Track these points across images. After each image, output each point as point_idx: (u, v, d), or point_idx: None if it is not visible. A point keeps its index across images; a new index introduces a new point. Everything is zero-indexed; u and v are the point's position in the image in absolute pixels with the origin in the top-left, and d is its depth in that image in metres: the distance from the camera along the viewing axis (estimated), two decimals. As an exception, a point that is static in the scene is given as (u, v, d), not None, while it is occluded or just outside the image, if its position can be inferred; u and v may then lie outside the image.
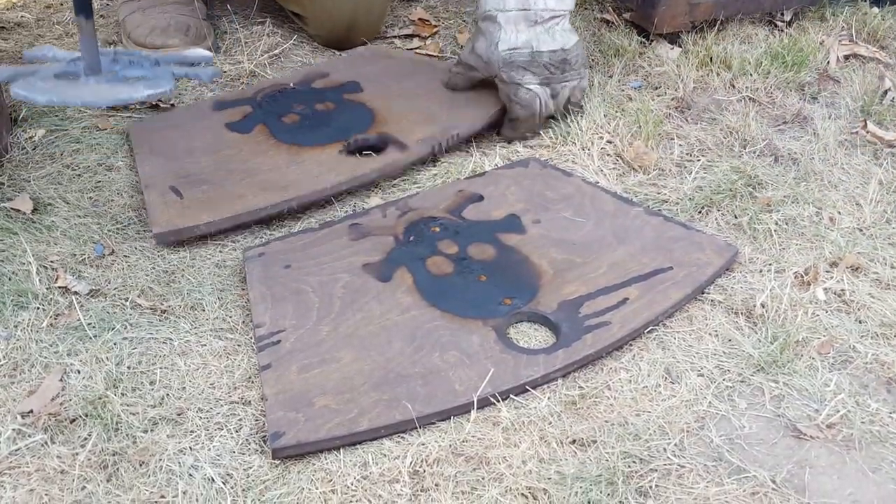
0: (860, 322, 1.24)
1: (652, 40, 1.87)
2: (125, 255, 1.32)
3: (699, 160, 1.53)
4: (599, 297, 1.20)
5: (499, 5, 1.52)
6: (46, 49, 1.38)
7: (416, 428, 1.05)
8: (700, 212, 1.42)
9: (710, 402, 1.11)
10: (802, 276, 1.30)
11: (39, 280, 1.24)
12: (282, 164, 1.46)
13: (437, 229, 1.34)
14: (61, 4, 2.07)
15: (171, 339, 1.18)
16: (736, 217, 1.41)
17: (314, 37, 1.95)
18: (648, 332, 1.20)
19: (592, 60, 1.84)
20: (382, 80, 1.69)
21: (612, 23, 1.96)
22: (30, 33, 1.93)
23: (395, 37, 1.98)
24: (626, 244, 1.30)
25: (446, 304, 1.20)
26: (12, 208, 1.37)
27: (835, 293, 1.28)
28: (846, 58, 1.87)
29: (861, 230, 1.41)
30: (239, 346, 1.17)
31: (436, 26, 2.01)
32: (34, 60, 1.40)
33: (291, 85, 1.67)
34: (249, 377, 1.13)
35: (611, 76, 1.77)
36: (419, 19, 2.03)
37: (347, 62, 1.77)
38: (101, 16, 2.02)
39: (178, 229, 1.32)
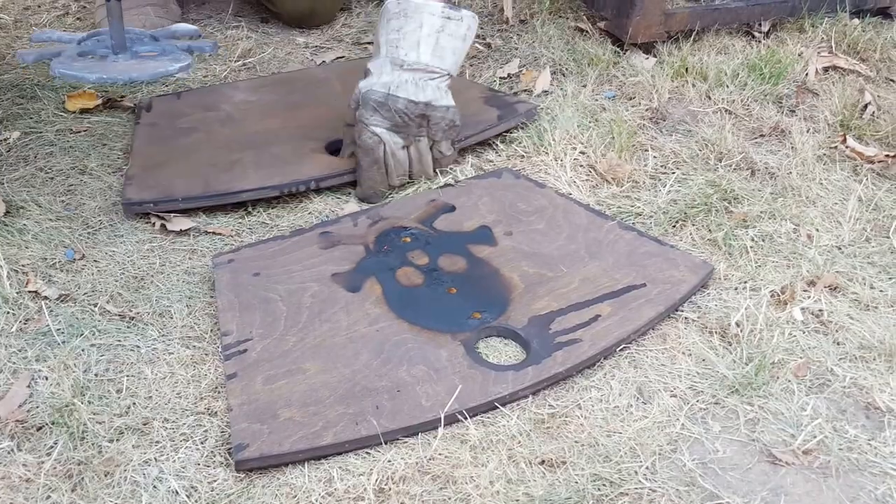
0: (838, 344, 1.23)
1: (626, 50, 1.88)
2: (95, 261, 1.31)
3: (674, 173, 1.53)
4: (571, 312, 1.20)
5: (373, 55, 1.46)
6: (50, 32, 1.41)
7: (382, 444, 1.04)
8: (674, 226, 1.42)
9: (682, 424, 1.09)
10: (779, 295, 1.29)
11: (10, 284, 1.23)
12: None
13: (409, 239, 1.34)
14: (38, 6, 2.06)
15: (138, 347, 1.17)
16: (711, 232, 1.40)
17: (279, 14, 1.97)
18: (621, 350, 1.19)
19: (566, 69, 1.84)
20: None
21: (586, 31, 1.97)
22: (7, 34, 1.91)
23: (369, 43, 1.99)
24: (599, 259, 1.30)
25: (415, 317, 1.19)
26: (-16, 211, 1.37)
27: (812, 313, 1.27)
28: (825, 70, 1.88)
29: (840, 248, 1.40)
30: (206, 354, 1.17)
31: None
32: (42, 42, 1.42)
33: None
34: (216, 387, 1.12)
35: (584, 86, 1.77)
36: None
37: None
38: (78, 18, 2.01)
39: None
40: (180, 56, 1.44)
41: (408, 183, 1.49)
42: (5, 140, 1.54)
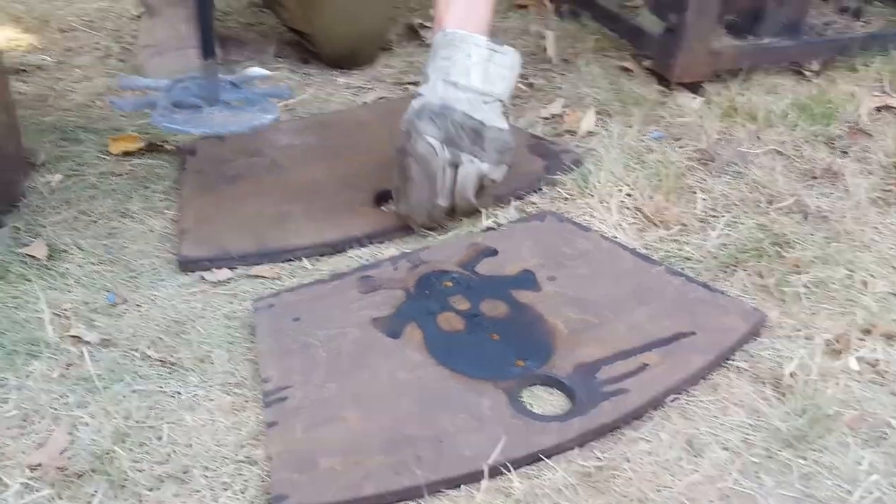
0: (895, 395, 1.18)
1: (672, 89, 1.85)
2: (137, 305, 1.30)
3: (723, 216, 1.50)
4: (618, 361, 1.17)
5: (421, 84, 1.43)
6: (133, 79, 1.44)
7: (424, 495, 1.01)
8: (725, 271, 1.39)
9: (735, 479, 1.05)
10: (833, 344, 1.24)
11: (52, 329, 1.23)
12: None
13: (450, 284, 1.32)
14: (80, 48, 2.08)
15: (179, 393, 1.16)
16: (762, 278, 1.36)
17: (320, 54, 1.98)
18: (670, 401, 1.15)
19: (611, 109, 1.82)
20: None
21: (631, 71, 1.95)
22: (49, 76, 1.93)
23: (409, 83, 1.98)
24: (647, 305, 1.27)
25: (457, 364, 1.17)
26: (28, 254, 1.37)
27: (868, 363, 1.22)
28: (878, 110, 1.83)
29: (896, 295, 1.36)
30: (247, 401, 1.15)
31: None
32: (130, 89, 1.45)
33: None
34: (256, 434, 1.10)
35: (630, 126, 1.75)
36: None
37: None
38: (121, 60, 2.03)
39: None
40: (267, 105, 1.46)
41: (448, 220, 1.48)
42: (48, 183, 1.55)
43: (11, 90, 1.52)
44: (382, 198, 1.53)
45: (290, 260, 1.41)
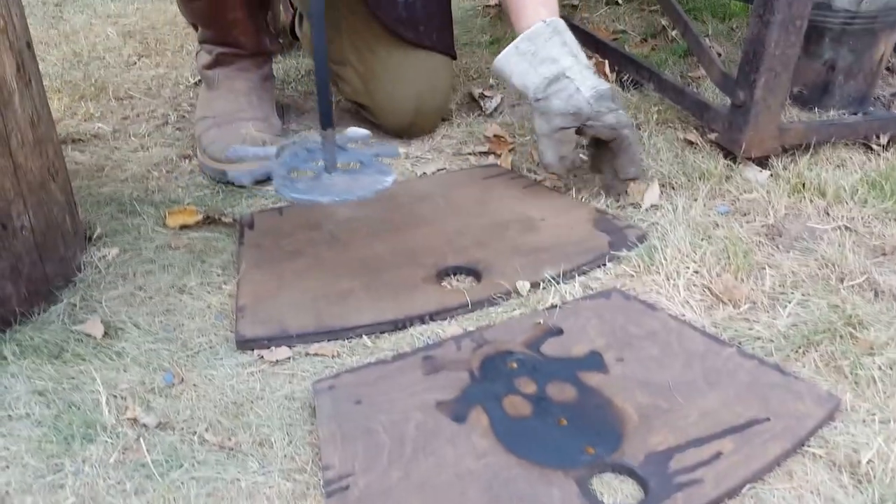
0: (975, 482, 1.12)
1: (738, 163, 1.82)
2: (194, 385, 1.28)
3: (793, 294, 1.45)
4: (690, 449, 1.12)
5: (526, 88, 1.65)
6: (243, 149, 1.48)
7: None
8: (796, 352, 1.34)
9: None
10: (911, 429, 1.19)
11: (108, 410, 1.21)
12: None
13: (515, 365, 1.28)
14: (137, 116, 2.08)
15: (238, 480, 1.12)
16: (835, 359, 1.31)
17: (381, 126, 1.98)
18: (745, 490, 1.10)
19: (675, 182, 1.79)
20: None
21: (696, 144, 1.91)
22: (106, 144, 1.93)
23: (470, 153, 1.96)
24: (718, 389, 1.22)
25: (524, 451, 1.13)
26: (83, 332, 1.35)
27: (947, 450, 1.16)
28: (948, 185, 1.78)
29: (974, 378, 1.29)
30: (308, 488, 1.11)
31: (511, 143, 1.98)
32: (237, 159, 1.53)
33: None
34: (317, 525, 1.07)
35: (695, 199, 1.71)
36: (494, 136, 2.01)
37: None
38: (178, 128, 2.02)
39: None
40: (382, 167, 1.45)
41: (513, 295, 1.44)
42: (104, 257, 1.53)
43: (67, 164, 1.51)
44: (444, 273, 1.50)
45: (350, 338, 1.37)
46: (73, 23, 2.67)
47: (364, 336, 1.38)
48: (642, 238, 1.59)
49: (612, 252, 1.55)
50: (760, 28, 1.71)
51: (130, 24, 2.67)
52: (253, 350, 1.35)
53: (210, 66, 1.94)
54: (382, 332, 1.39)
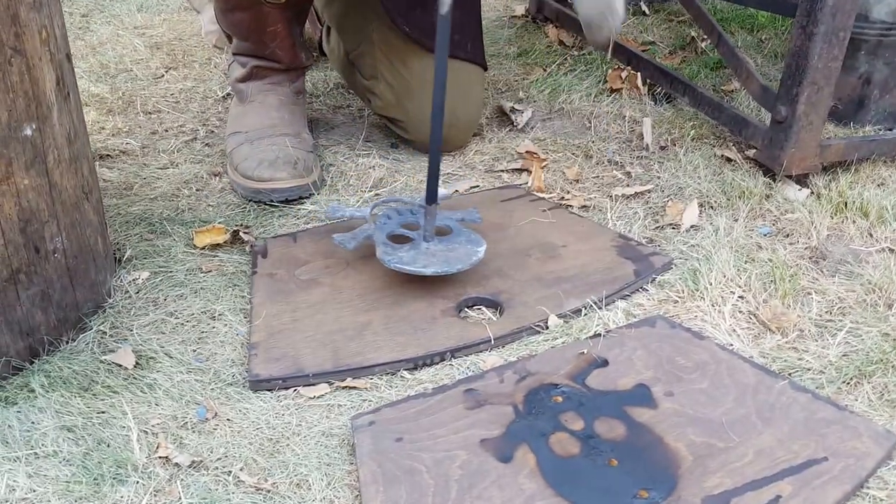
0: None
1: (778, 181, 1.77)
2: (228, 419, 1.24)
3: (841, 321, 1.41)
4: (748, 492, 1.08)
5: None
6: (340, 209, 1.60)
7: None
8: (848, 384, 1.29)
9: None
10: (971, 467, 1.14)
11: (139, 448, 1.17)
12: None
13: (560, 399, 1.24)
14: (166, 131, 2.04)
15: (275, 523, 1.09)
16: (889, 392, 1.27)
17: (413, 142, 1.94)
18: (804, 535, 1.05)
19: (714, 202, 1.74)
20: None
21: (734, 161, 1.86)
22: (135, 161, 1.90)
23: (503, 170, 1.92)
24: (773, 426, 1.18)
25: (575, 495, 1.08)
26: (114, 363, 1.31)
27: None
28: None
29: None
30: (348, 533, 1.08)
31: (544, 159, 1.94)
32: (334, 218, 1.62)
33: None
34: (360, 572, 1.03)
35: (736, 220, 1.67)
36: (527, 152, 1.96)
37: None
38: (206, 144, 1.99)
39: None
40: (472, 235, 1.51)
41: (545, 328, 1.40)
42: (134, 281, 1.49)
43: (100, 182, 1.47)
44: (465, 305, 1.46)
45: (371, 377, 1.33)
46: (99, 34, 2.63)
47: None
48: (668, 266, 1.54)
49: (637, 280, 1.50)
50: (803, 40, 1.66)
51: (157, 36, 2.63)
52: (269, 391, 1.30)
53: (243, 80, 1.90)
54: (400, 371, 1.34)
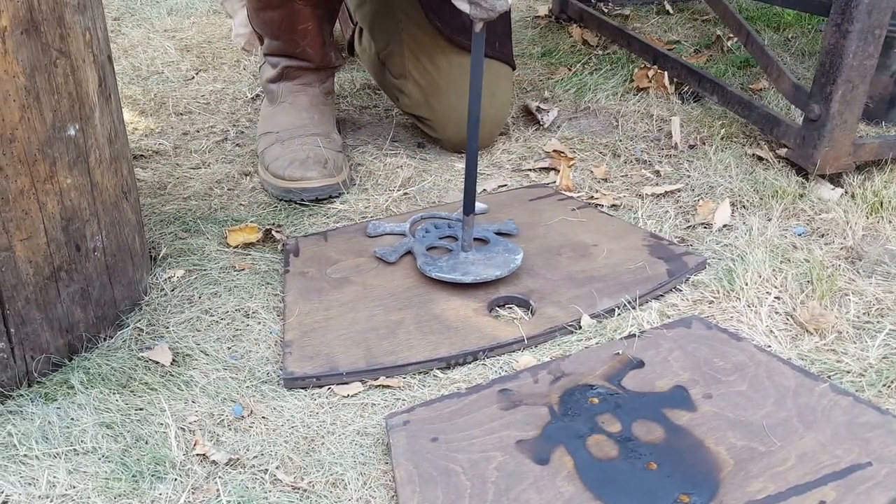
0: None
1: (811, 180, 1.75)
2: (264, 417, 1.23)
3: (880, 322, 1.40)
4: (792, 497, 1.06)
5: None
6: (381, 225, 1.62)
7: None
8: (888, 387, 1.28)
9: None
10: None
11: (177, 445, 1.16)
12: None
13: (596, 400, 1.23)
14: (197, 132, 2.04)
15: (312, 523, 1.08)
16: (930, 396, 1.26)
17: (440, 140, 1.94)
18: (847, 541, 1.04)
19: (746, 201, 1.73)
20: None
21: (766, 160, 1.85)
22: (168, 161, 1.90)
23: (530, 169, 1.91)
24: (815, 430, 1.17)
25: (615, 498, 1.07)
26: (151, 360, 1.31)
27: None
28: None
29: None
30: (386, 534, 1.07)
31: (571, 158, 1.93)
32: (376, 235, 1.62)
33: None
34: (398, 573, 1.02)
35: (769, 219, 1.65)
36: (554, 151, 1.95)
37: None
38: (237, 144, 1.99)
39: None
40: (508, 244, 1.53)
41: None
42: (169, 279, 1.49)
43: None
44: (496, 304, 1.46)
45: (404, 376, 1.32)
46: (131, 37, 2.64)
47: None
48: (702, 266, 1.53)
49: (671, 280, 1.49)
50: (838, 38, 1.65)
51: (187, 39, 2.64)
52: (304, 389, 1.30)
53: (275, 80, 1.90)
54: (432, 370, 1.34)
